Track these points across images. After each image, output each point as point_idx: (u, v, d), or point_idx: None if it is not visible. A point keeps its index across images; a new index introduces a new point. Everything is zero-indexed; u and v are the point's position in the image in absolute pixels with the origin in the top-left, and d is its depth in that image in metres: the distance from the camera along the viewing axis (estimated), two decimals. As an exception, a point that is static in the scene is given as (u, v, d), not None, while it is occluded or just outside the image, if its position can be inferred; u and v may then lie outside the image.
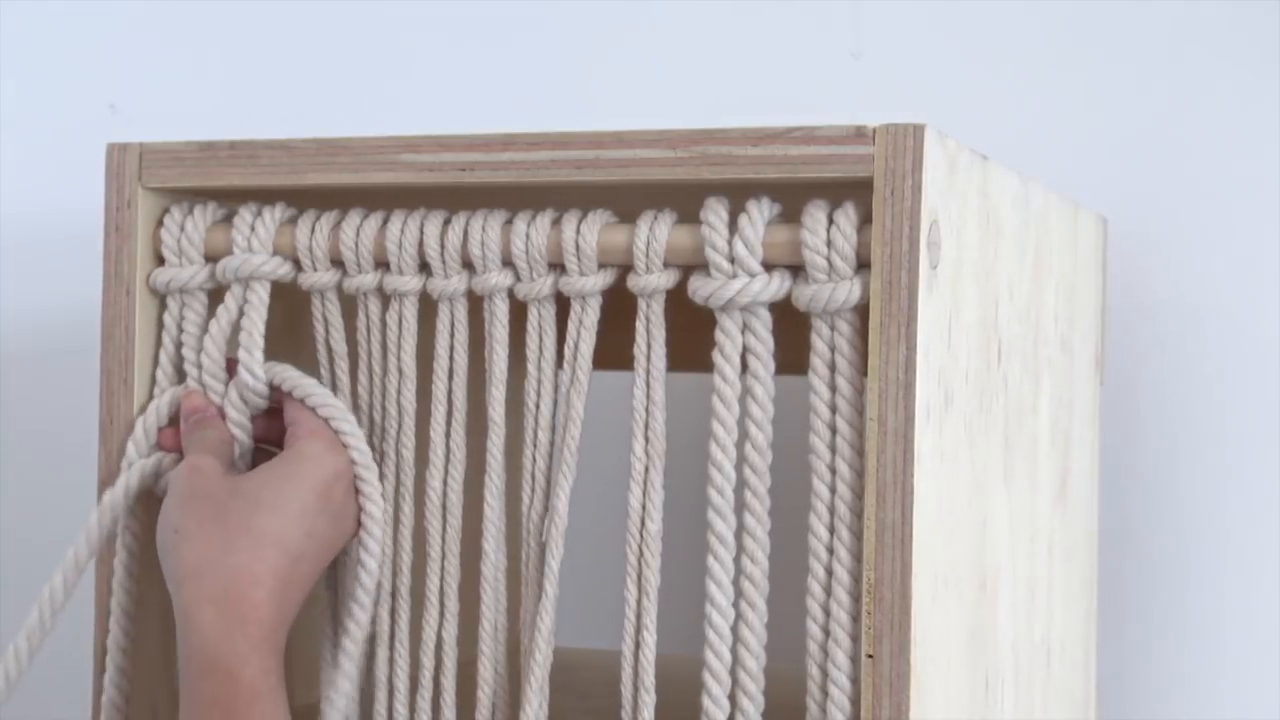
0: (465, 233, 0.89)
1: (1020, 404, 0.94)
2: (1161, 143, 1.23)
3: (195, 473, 0.89)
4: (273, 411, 0.95)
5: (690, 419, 1.01)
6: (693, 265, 0.85)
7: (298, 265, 0.94)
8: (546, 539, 0.88)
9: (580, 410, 0.88)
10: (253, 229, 0.93)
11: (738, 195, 0.84)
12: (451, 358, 0.92)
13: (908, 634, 0.79)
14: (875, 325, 0.80)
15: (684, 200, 0.86)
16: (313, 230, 0.92)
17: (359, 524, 0.91)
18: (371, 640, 0.93)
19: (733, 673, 0.83)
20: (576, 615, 0.93)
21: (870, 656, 0.80)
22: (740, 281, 0.83)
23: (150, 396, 0.95)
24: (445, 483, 0.92)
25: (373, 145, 0.90)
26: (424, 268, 0.91)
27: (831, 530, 0.82)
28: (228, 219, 0.94)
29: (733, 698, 0.83)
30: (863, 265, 0.81)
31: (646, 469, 0.86)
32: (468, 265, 0.90)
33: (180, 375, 0.95)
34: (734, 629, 0.83)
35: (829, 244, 0.82)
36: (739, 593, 0.83)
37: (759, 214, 0.83)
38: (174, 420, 0.94)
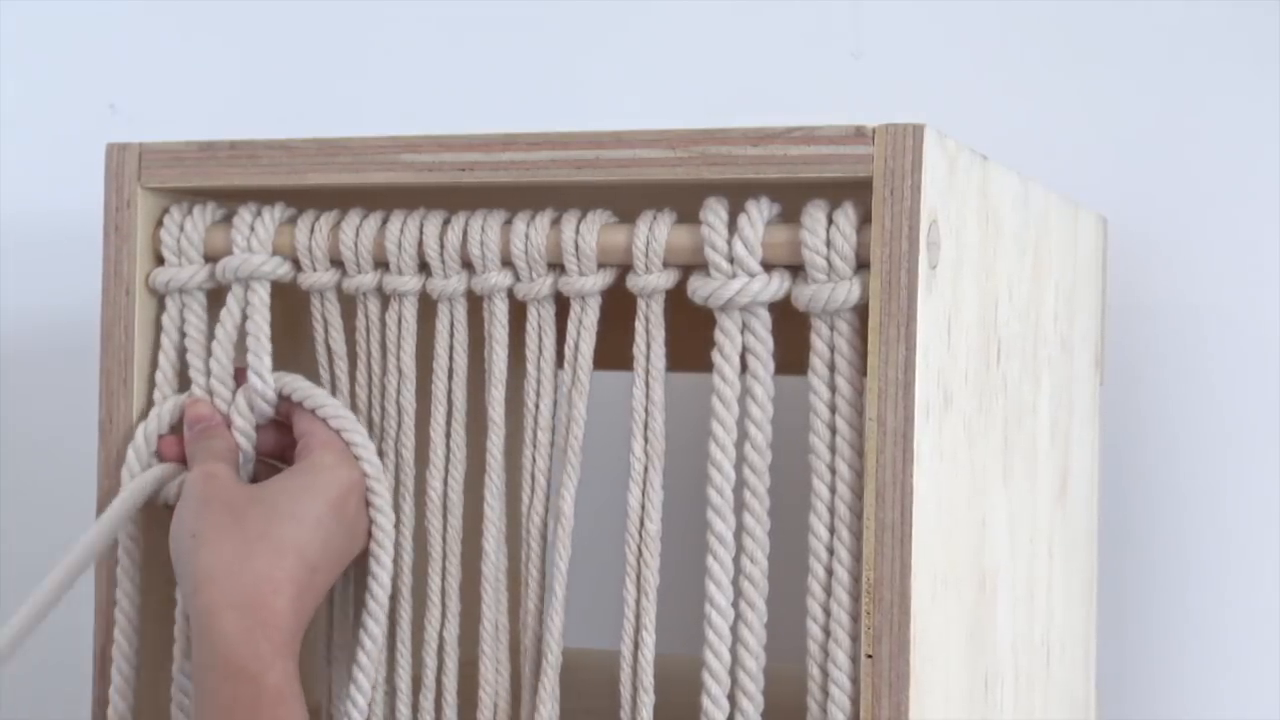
0: (465, 233, 0.89)
1: (1020, 404, 0.94)
2: (1161, 143, 1.23)
3: (210, 479, 0.88)
4: (274, 424, 0.95)
5: (690, 419, 1.01)
6: (692, 265, 0.85)
7: (297, 265, 0.94)
8: (553, 540, 0.88)
9: (582, 410, 0.88)
10: (252, 229, 0.93)
11: (737, 195, 0.84)
12: (451, 358, 0.92)
13: (907, 634, 0.79)
14: (875, 325, 0.80)
15: (684, 200, 0.86)
16: (312, 230, 0.92)
17: (369, 537, 0.91)
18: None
19: (732, 673, 0.83)
20: (576, 615, 0.93)
21: (870, 656, 0.80)
22: (740, 281, 0.83)
23: (150, 399, 0.95)
24: (445, 483, 0.92)
25: (373, 145, 0.90)
26: (423, 268, 0.91)
27: (831, 530, 0.82)
28: (227, 219, 0.94)
29: (732, 698, 0.83)
30: (862, 265, 0.81)
31: (646, 469, 0.86)
32: (467, 265, 0.90)
33: (181, 379, 0.95)
34: (733, 629, 0.83)
35: (828, 244, 0.82)
36: (738, 593, 0.83)
37: (758, 214, 0.83)
38: (175, 428, 0.94)
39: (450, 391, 0.92)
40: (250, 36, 1.46)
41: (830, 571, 0.82)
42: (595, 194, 0.89)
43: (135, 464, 0.93)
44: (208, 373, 0.94)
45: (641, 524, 0.86)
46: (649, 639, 0.86)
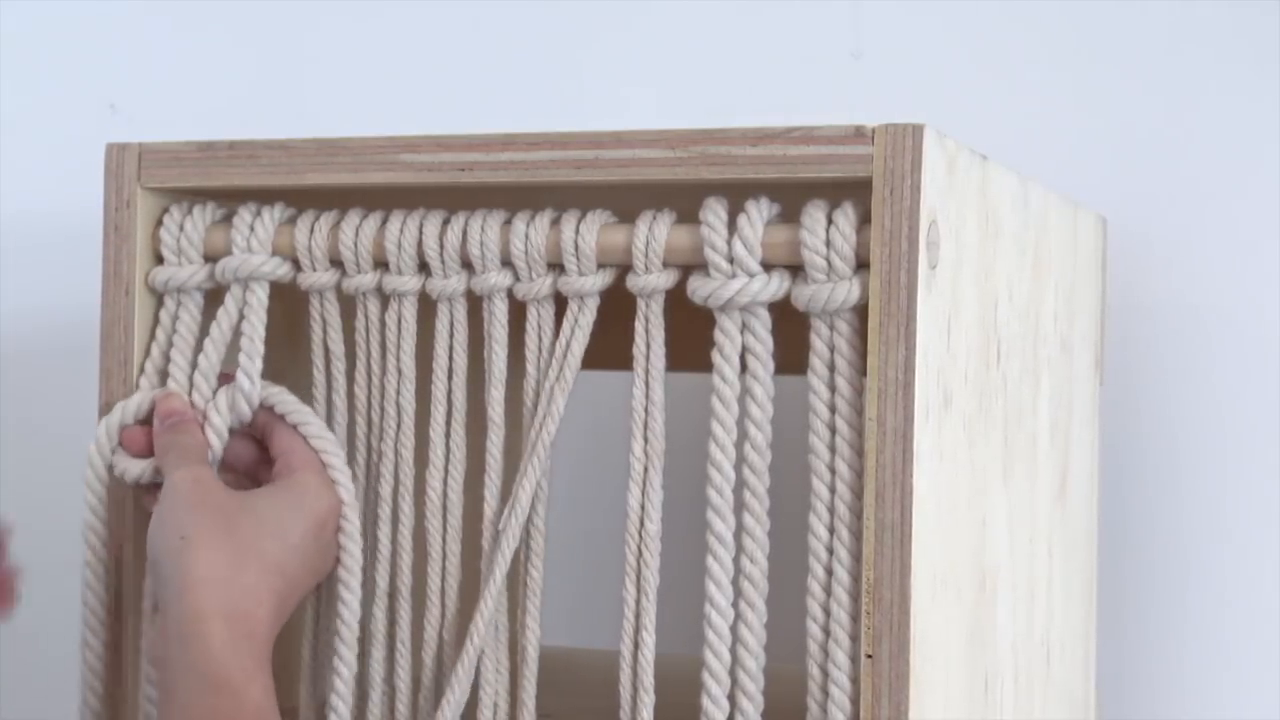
0: (464, 233, 0.89)
1: (1019, 404, 0.94)
2: (1161, 143, 1.23)
3: (199, 483, 0.88)
4: (243, 437, 0.94)
5: (689, 419, 1.01)
6: (692, 265, 0.85)
7: (297, 265, 0.94)
8: (504, 528, 0.88)
9: (560, 407, 0.88)
10: (252, 229, 0.93)
11: (737, 195, 0.84)
12: (451, 358, 0.92)
13: (907, 634, 0.79)
14: (874, 325, 0.80)
15: (683, 200, 0.86)
16: (312, 230, 0.92)
17: (338, 562, 0.91)
18: (370, 640, 0.93)
19: (732, 673, 0.83)
20: (575, 615, 0.93)
21: (870, 656, 0.80)
22: (739, 281, 0.83)
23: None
24: (445, 482, 0.92)
25: (372, 145, 0.90)
26: (423, 268, 0.91)
27: (831, 530, 0.82)
28: (227, 219, 0.94)
29: (732, 698, 0.83)
30: (862, 265, 0.81)
31: (645, 469, 0.86)
32: (467, 265, 0.90)
33: (163, 376, 0.95)
34: (733, 629, 0.83)
35: (828, 244, 0.82)
36: (738, 593, 0.83)
37: (758, 214, 0.83)
38: (143, 421, 0.94)
39: (450, 391, 0.92)
40: (250, 36, 1.46)
41: (830, 571, 0.82)
42: (595, 194, 0.89)
43: (97, 457, 0.93)
44: (192, 369, 0.93)
45: (641, 524, 0.86)
46: (649, 639, 0.86)
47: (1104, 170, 1.23)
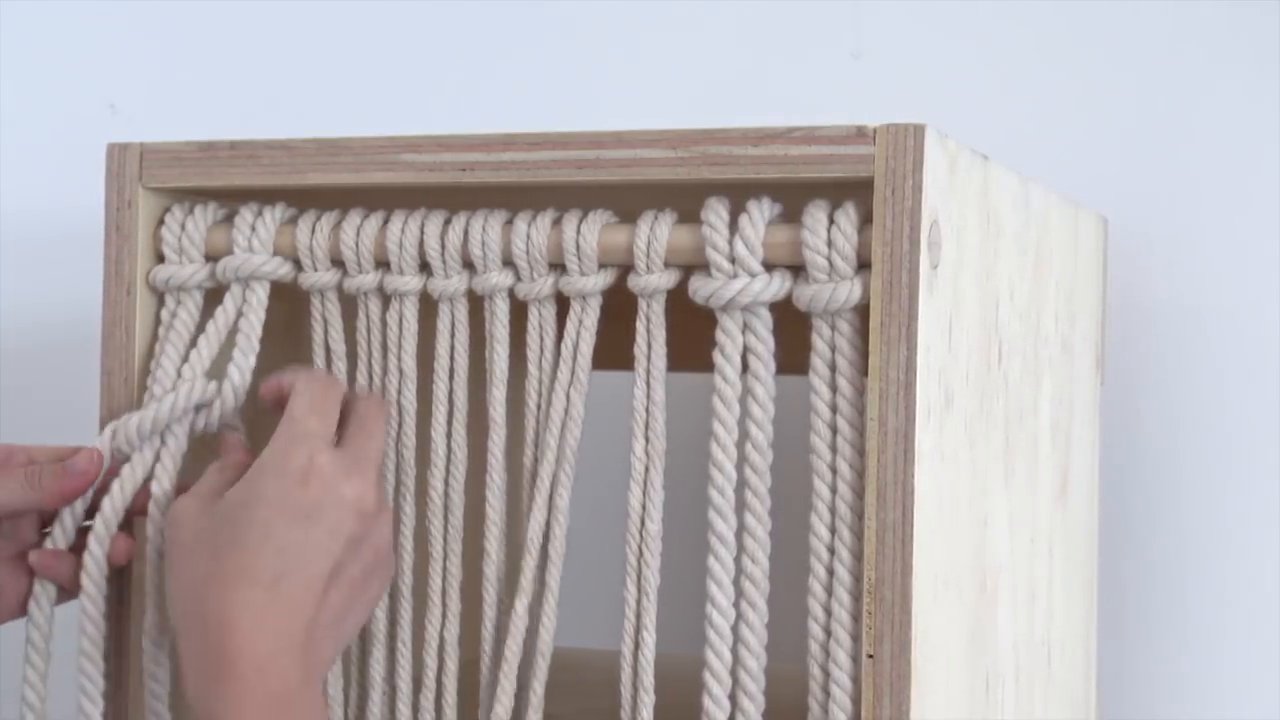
0: (466, 233, 0.89)
1: (1020, 404, 0.94)
2: (1161, 143, 1.23)
3: (171, 521, 0.86)
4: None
5: (690, 419, 1.01)
6: (693, 265, 0.85)
7: (298, 265, 0.94)
8: (550, 539, 0.88)
9: (580, 410, 0.88)
10: (253, 229, 0.93)
11: (738, 195, 0.84)
12: (452, 358, 0.92)
13: (908, 634, 0.79)
14: (876, 325, 0.80)
15: (684, 200, 0.86)
16: (313, 230, 0.92)
17: (356, 501, 0.86)
18: (371, 640, 0.93)
19: (733, 673, 0.83)
20: (576, 615, 0.93)
21: (871, 656, 0.80)
22: (741, 281, 0.83)
23: (141, 398, 0.95)
24: (446, 482, 0.92)
25: (373, 145, 0.90)
26: (424, 268, 0.91)
27: (832, 530, 0.82)
28: (228, 219, 0.94)
29: (733, 698, 0.83)
30: (863, 265, 0.81)
31: (647, 469, 0.86)
32: (468, 265, 0.90)
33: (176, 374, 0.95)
34: (734, 629, 0.83)
35: (829, 244, 0.82)
36: (739, 593, 0.83)
37: (759, 214, 0.83)
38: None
39: (451, 391, 0.92)
40: (250, 36, 1.46)
41: (831, 571, 0.82)
42: (596, 194, 0.89)
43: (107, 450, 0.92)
44: (181, 362, 0.93)
45: (642, 524, 0.86)
46: (649, 639, 0.86)
47: (1104, 170, 1.23)
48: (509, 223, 0.89)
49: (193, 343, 0.94)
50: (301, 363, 0.96)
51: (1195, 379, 1.22)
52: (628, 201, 0.88)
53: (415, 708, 0.93)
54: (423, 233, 0.90)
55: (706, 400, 0.84)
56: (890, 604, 0.79)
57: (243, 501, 0.84)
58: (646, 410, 0.87)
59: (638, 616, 0.86)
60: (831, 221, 0.82)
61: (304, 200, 0.94)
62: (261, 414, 0.98)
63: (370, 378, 0.93)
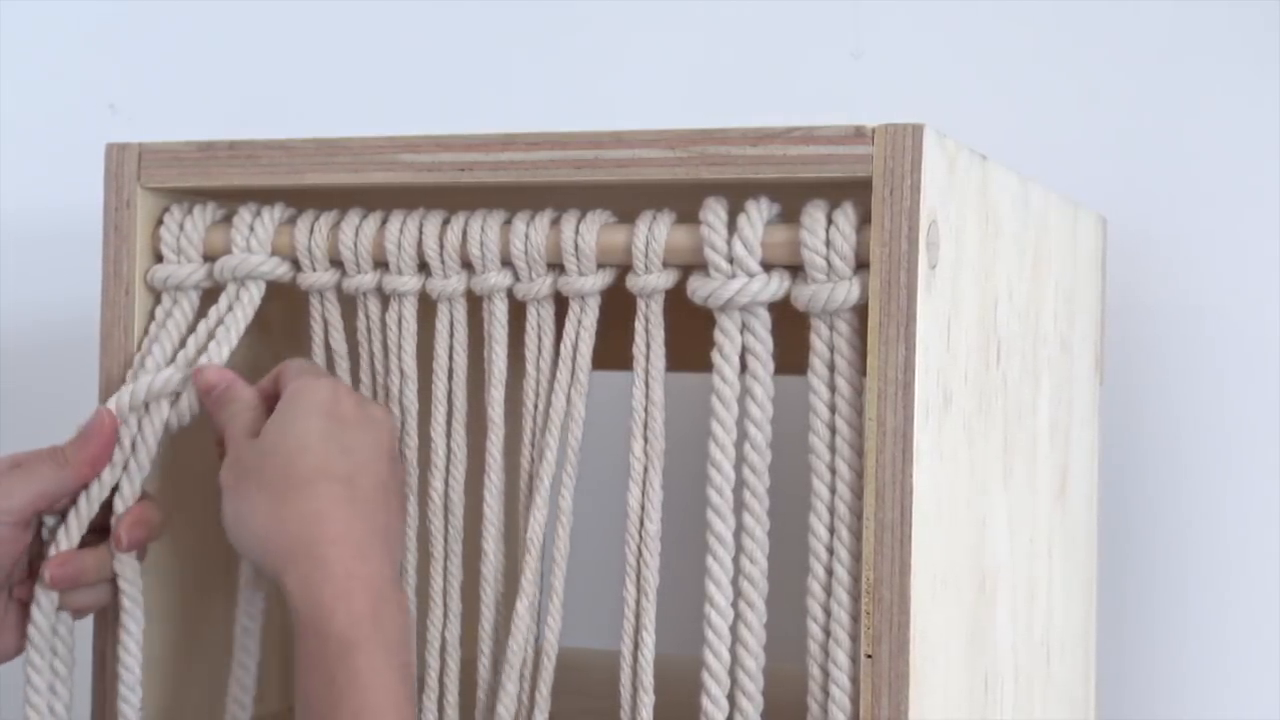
0: (464, 233, 0.89)
1: (1019, 404, 0.94)
2: (1161, 143, 1.23)
3: (233, 466, 0.87)
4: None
5: (689, 419, 1.01)
6: (692, 265, 0.85)
7: (296, 265, 0.94)
8: (553, 539, 0.88)
9: (582, 410, 0.88)
10: (251, 229, 0.93)
11: (737, 195, 0.84)
12: (451, 358, 0.92)
13: (907, 634, 0.79)
14: (874, 325, 0.80)
15: (683, 200, 0.86)
16: (312, 230, 0.92)
17: (386, 422, 0.89)
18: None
19: (732, 673, 0.83)
20: (575, 615, 0.93)
21: (869, 656, 0.80)
22: (739, 281, 0.83)
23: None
24: (447, 483, 0.92)
25: (372, 145, 0.90)
26: (423, 268, 0.91)
27: (831, 530, 0.82)
28: (227, 219, 0.94)
29: (732, 698, 0.83)
30: (862, 265, 0.81)
31: (645, 469, 0.86)
32: (467, 265, 0.90)
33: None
34: (733, 629, 0.83)
35: (828, 244, 0.82)
36: (738, 593, 0.83)
37: (758, 214, 0.83)
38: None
39: (450, 392, 0.92)
40: (250, 36, 1.46)
41: (830, 571, 0.82)
42: (595, 194, 0.89)
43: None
44: (168, 361, 0.93)
45: (641, 524, 0.86)
46: (649, 639, 0.86)
47: (1104, 170, 1.23)
48: (508, 223, 0.89)
49: (182, 342, 0.94)
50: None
51: (1194, 379, 1.22)
52: (626, 201, 0.88)
53: (417, 707, 0.92)
54: (421, 233, 0.90)
55: (705, 400, 0.84)
56: (889, 604, 0.79)
57: (293, 418, 0.86)
58: (645, 410, 0.87)
59: (637, 616, 0.86)
60: (830, 221, 0.82)
61: (303, 200, 0.94)
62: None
63: (371, 378, 0.93)
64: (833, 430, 0.82)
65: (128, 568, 0.92)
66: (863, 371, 0.81)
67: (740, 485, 0.84)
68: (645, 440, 0.87)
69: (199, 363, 0.92)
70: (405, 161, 0.89)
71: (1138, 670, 1.23)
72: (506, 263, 0.89)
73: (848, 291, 0.81)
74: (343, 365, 0.94)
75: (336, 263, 0.93)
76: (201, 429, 0.93)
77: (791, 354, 0.86)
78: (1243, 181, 1.21)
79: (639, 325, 0.87)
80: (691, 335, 0.90)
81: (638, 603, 0.86)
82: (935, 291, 0.81)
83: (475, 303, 0.91)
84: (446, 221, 0.90)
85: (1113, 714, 1.21)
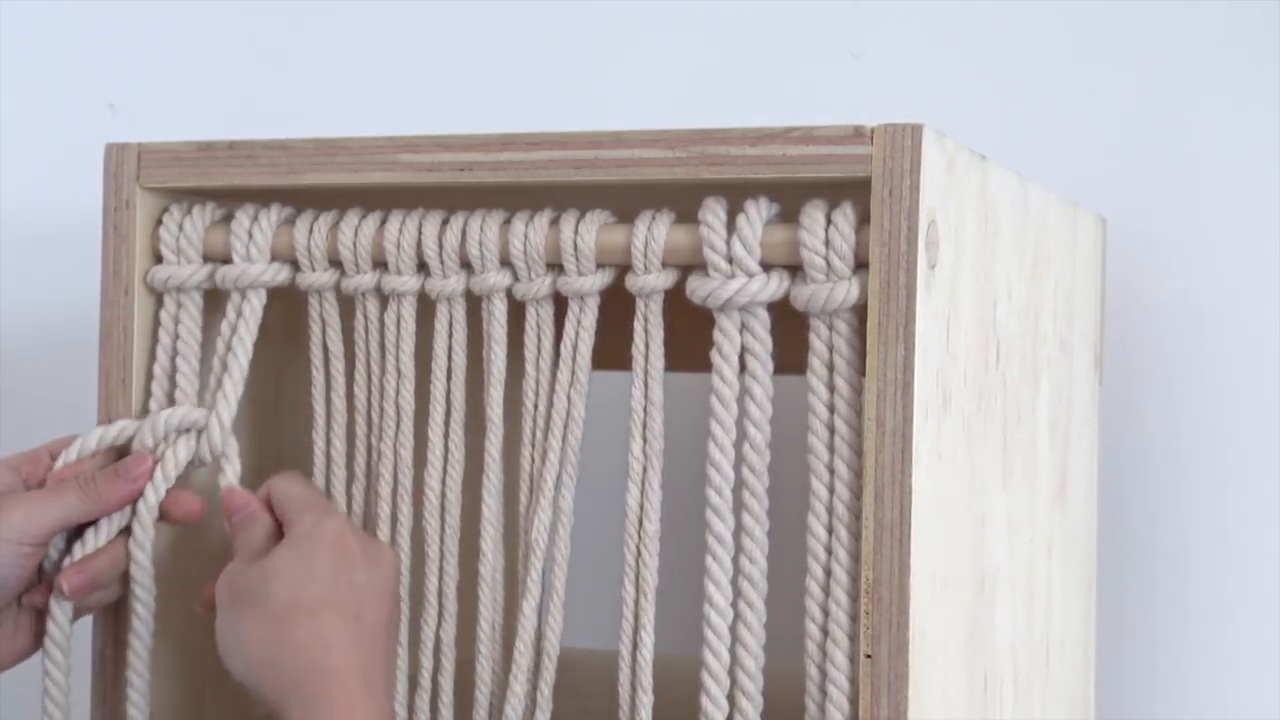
0: (463, 233, 0.89)
1: (1019, 404, 0.94)
2: (1161, 143, 1.23)
3: (231, 583, 0.87)
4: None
5: (689, 419, 1.01)
6: (691, 265, 0.85)
7: (295, 266, 0.94)
8: (553, 539, 0.88)
9: (581, 410, 0.88)
10: (250, 235, 0.93)
11: (736, 195, 0.84)
12: (450, 358, 0.92)
13: (906, 634, 0.79)
14: (873, 325, 0.80)
15: (682, 200, 0.86)
16: (311, 230, 0.92)
17: (394, 557, 0.90)
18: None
19: (731, 673, 0.83)
20: (574, 615, 0.93)
21: (869, 656, 0.80)
22: (739, 281, 0.83)
23: (146, 401, 0.95)
24: (444, 483, 0.92)
25: (371, 145, 0.90)
26: (422, 268, 0.91)
27: (830, 530, 0.82)
28: (226, 219, 0.94)
29: (731, 698, 0.83)
30: (861, 265, 0.81)
31: (644, 469, 0.86)
32: (466, 265, 0.90)
33: (170, 381, 0.95)
34: (732, 629, 0.83)
35: (827, 244, 0.82)
36: (737, 593, 0.83)
37: (757, 214, 0.83)
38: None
39: (449, 391, 0.92)
40: (250, 36, 1.46)
41: (829, 571, 0.82)
42: (594, 194, 0.89)
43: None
44: (199, 375, 0.94)
45: (640, 524, 0.86)
46: (648, 639, 0.86)
47: (1104, 170, 1.23)
48: (507, 223, 0.89)
49: (198, 350, 0.94)
50: (301, 363, 0.96)
51: (1194, 379, 1.22)
52: (626, 201, 0.88)
53: (411, 708, 0.92)
54: (420, 233, 0.90)
55: (704, 400, 0.84)
56: (888, 604, 0.79)
57: (302, 551, 0.86)
58: (644, 410, 0.87)
59: (636, 616, 0.86)
60: (829, 221, 0.82)
61: (302, 200, 0.94)
62: (253, 437, 0.98)
63: (368, 377, 0.93)
64: (832, 430, 0.82)
65: (142, 569, 0.92)
66: (862, 371, 0.81)
67: (739, 485, 0.84)
68: (644, 440, 0.87)
69: (216, 401, 0.92)
70: (405, 161, 0.89)
71: (1138, 670, 1.23)
72: (506, 263, 0.89)
73: (847, 291, 0.81)
74: (340, 366, 0.94)
75: (335, 263, 0.93)
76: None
77: (791, 354, 0.86)
78: (1243, 181, 1.21)
79: (638, 325, 0.87)
80: (691, 335, 0.90)
81: (637, 603, 0.86)
82: (934, 291, 0.81)
83: (474, 303, 0.91)
84: (446, 221, 0.90)
85: (1113, 714, 1.21)
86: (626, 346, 0.87)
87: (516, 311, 0.90)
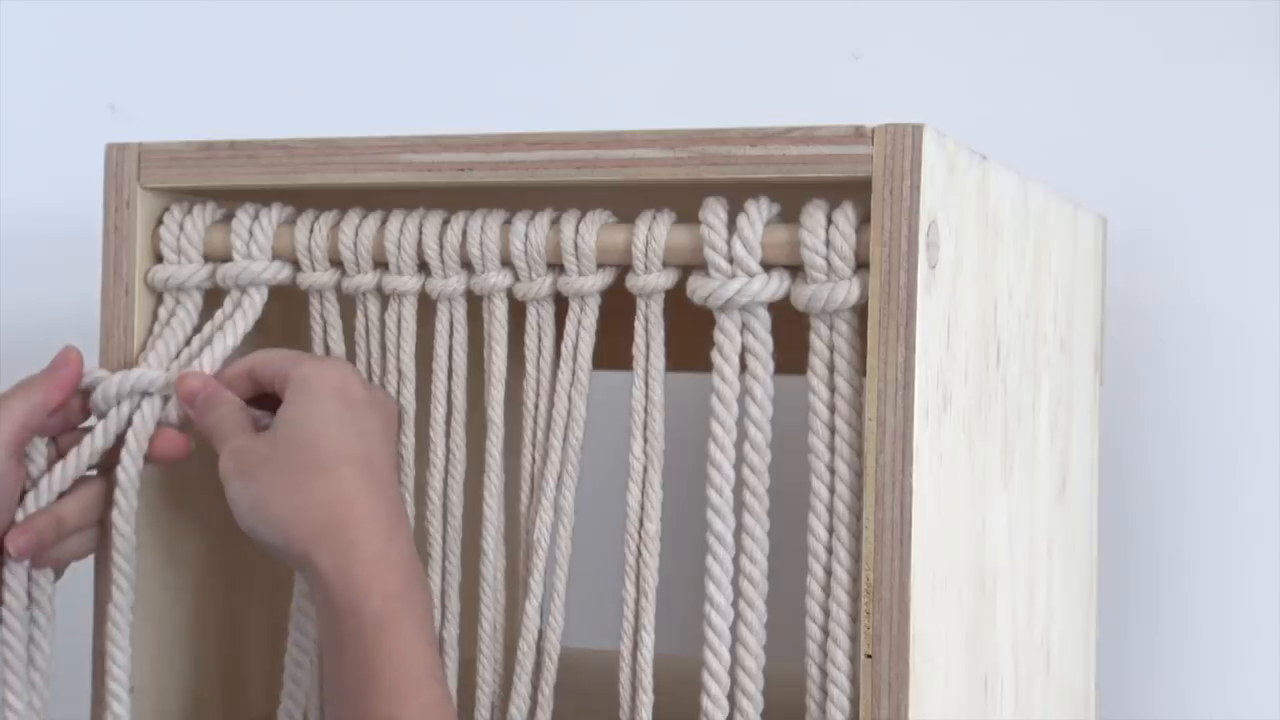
0: (464, 233, 0.89)
1: (1019, 404, 0.94)
2: (1161, 143, 1.23)
3: (238, 455, 0.87)
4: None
5: (689, 419, 1.01)
6: (692, 265, 0.85)
7: (296, 266, 0.94)
8: (554, 539, 0.88)
9: (583, 410, 0.88)
10: (251, 234, 0.93)
11: (737, 195, 0.84)
12: (450, 358, 0.92)
13: (906, 634, 0.79)
14: (874, 325, 0.80)
15: (683, 200, 0.86)
16: (311, 230, 0.92)
17: (391, 400, 0.90)
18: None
19: (732, 673, 0.83)
20: (575, 615, 0.93)
21: (869, 656, 0.80)
22: (739, 281, 0.83)
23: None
24: (445, 483, 0.92)
25: (372, 145, 0.90)
26: (423, 268, 0.91)
27: (830, 530, 0.82)
28: (227, 219, 0.94)
29: (732, 698, 0.83)
30: (861, 265, 0.81)
31: (645, 469, 0.86)
32: (467, 265, 0.90)
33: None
34: (733, 629, 0.83)
35: (828, 244, 0.82)
36: (738, 593, 0.83)
37: (758, 214, 0.83)
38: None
39: (450, 391, 0.92)
40: (250, 36, 1.46)
41: (829, 571, 0.82)
42: (595, 194, 0.89)
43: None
44: (171, 360, 0.93)
45: (641, 524, 0.86)
46: (648, 639, 0.86)
47: (1104, 170, 1.23)
48: (507, 223, 0.89)
49: (186, 342, 0.94)
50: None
51: (1194, 379, 1.22)
52: (626, 201, 0.88)
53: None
54: (421, 233, 0.90)
55: (705, 400, 0.84)
56: (888, 604, 0.79)
57: (306, 406, 0.87)
58: (645, 410, 0.87)
59: (636, 616, 0.86)
60: (830, 221, 0.82)
61: (303, 200, 0.94)
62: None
63: (369, 377, 0.93)
64: (832, 430, 0.82)
65: (124, 514, 0.91)
66: (862, 372, 0.81)
67: (740, 485, 0.84)
68: (645, 440, 0.87)
69: (190, 368, 0.92)
70: (405, 161, 0.89)
71: (1138, 670, 1.23)
72: (506, 263, 0.89)
73: (847, 291, 0.81)
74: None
75: (336, 263, 0.93)
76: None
77: (791, 354, 0.86)
78: (1243, 181, 1.21)
79: (639, 325, 0.87)
80: (691, 335, 0.90)
81: (637, 603, 0.86)
82: (935, 291, 0.81)
83: (475, 303, 0.91)
84: (446, 221, 0.90)
85: (1113, 714, 1.21)
86: (627, 346, 0.87)
87: (517, 311, 0.90)
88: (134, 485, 0.91)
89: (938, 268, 0.81)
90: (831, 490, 0.82)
